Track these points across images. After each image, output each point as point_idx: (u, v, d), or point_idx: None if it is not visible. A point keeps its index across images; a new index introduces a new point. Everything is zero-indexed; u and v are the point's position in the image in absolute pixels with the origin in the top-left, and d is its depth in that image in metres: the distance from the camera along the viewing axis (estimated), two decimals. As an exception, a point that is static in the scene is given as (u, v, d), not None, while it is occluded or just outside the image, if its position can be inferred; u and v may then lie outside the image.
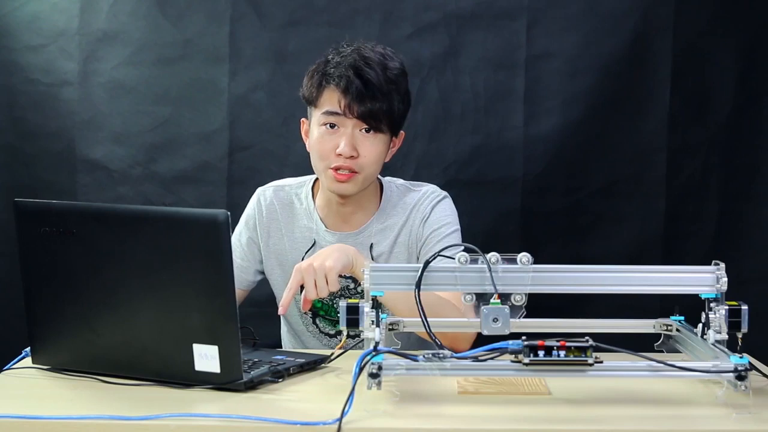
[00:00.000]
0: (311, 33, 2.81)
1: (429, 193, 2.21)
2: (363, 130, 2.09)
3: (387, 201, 2.21)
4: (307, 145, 2.19)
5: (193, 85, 2.86)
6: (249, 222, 2.26)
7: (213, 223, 1.54)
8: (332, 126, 2.09)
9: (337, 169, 2.09)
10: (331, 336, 2.24)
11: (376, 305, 1.65)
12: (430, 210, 2.18)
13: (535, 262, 1.66)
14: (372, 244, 2.18)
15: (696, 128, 2.83)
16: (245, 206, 2.38)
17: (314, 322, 2.25)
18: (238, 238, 2.26)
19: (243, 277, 2.25)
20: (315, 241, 2.20)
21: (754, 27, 2.81)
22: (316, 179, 2.26)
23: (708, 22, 2.81)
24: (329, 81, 2.08)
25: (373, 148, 2.10)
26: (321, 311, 2.23)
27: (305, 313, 2.22)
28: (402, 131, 2.19)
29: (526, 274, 1.66)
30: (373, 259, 2.17)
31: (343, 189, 2.12)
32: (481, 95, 2.83)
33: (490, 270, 1.64)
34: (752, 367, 1.52)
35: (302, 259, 2.13)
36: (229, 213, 1.54)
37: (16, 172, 2.89)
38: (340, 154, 2.07)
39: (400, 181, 2.27)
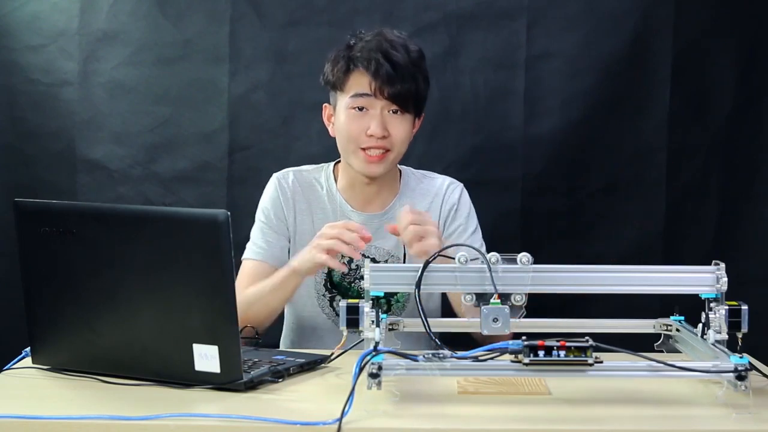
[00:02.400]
0: (311, 33, 2.81)
1: (450, 182, 2.32)
2: (391, 112, 2.17)
3: (405, 184, 2.30)
4: (330, 130, 2.26)
5: (193, 85, 2.86)
6: (273, 203, 2.26)
7: (213, 223, 1.54)
8: (360, 109, 2.16)
9: (367, 149, 2.16)
10: None
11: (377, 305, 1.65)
12: (457, 199, 2.29)
13: (535, 262, 1.66)
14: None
15: (696, 128, 2.83)
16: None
17: (331, 305, 2.26)
18: (265, 218, 2.25)
19: (276, 255, 2.24)
20: None
21: (754, 27, 2.81)
22: (335, 164, 2.29)
23: (708, 22, 2.81)
24: (357, 64, 2.16)
25: (401, 127, 2.18)
26: (338, 294, 2.26)
27: (323, 295, 2.25)
28: (423, 113, 2.27)
29: (526, 274, 1.66)
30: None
31: (373, 170, 2.19)
32: (481, 95, 2.82)
33: (490, 270, 1.64)
34: (752, 367, 1.52)
35: None
36: (229, 213, 1.54)
37: (16, 172, 2.89)
38: (372, 135, 2.15)
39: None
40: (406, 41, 2.19)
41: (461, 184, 2.33)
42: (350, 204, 2.26)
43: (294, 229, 2.25)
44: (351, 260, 2.24)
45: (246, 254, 2.25)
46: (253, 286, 2.13)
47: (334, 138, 2.25)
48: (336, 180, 2.28)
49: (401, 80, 2.13)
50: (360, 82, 2.15)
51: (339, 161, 2.31)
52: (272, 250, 2.24)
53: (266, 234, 2.25)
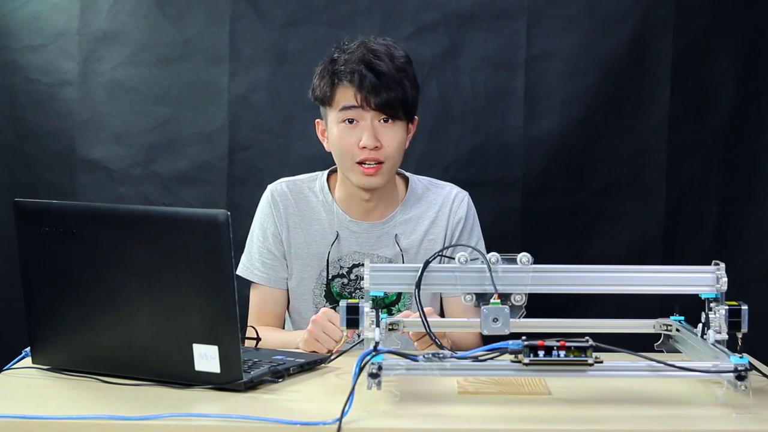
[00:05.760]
0: (311, 33, 2.81)
1: (457, 192, 2.30)
2: (381, 121, 2.14)
3: (412, 193, 2.28)
4: (325, 146, 2.25)
5: (193, 85, 2.86)
6: (267, 219, 2.26)
7: (213, 223, 1.55)
8: (351, 121, 2.14)
9: (362, 162, 2.14)
10: None
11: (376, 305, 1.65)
12: (465, 213, 2.27)
13: (535, 262, 1.66)
14: (397, 234, 2.23)
15: (696, 128, 2.83)
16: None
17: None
18: (263, 238, 2.26)
19: (282, 277, 2.26)
20: (338, 233, 2.22)
21: (754, 27, 2.81)
22: (330, 173, 2.28)
23: (708, 22, 2.81)
24: (341, 78, 2.14)
25: (394, 136, 2.15)
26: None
27: (324, 306, 2.24)
28: (416, 116, 2.24)
29: (526, 274, 1.66)
30: (400, 250, 2.21)
31: (371, 182, 2.17)
32: (481, 95, 2.82)
33: (490, 270, 1.64)
34: (752, 367, 1.52)
35: (328, 253, 2.20)
36: (229, 213, 1.54)
37: (16, 172, 2.89)
38: (365, 147, 2.12)
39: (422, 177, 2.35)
40: (391, 48, 2.16)
41: (467, 194, 2.31)
42: (348, 214, 2.24)
43: (288, 244, 2.25)
44: (351, 269, 2.24)
45: (253, 277, 2.26)
46: (268, 331, 2.14)
47: None
48: (331, 190, 2.27)
49: (387, 89, 2.11)
50: (346, 95, 2.13)
51: (333, 170, 2.29)
52: (276, 273, 2.26)
53: (264, 255, 2.26)
